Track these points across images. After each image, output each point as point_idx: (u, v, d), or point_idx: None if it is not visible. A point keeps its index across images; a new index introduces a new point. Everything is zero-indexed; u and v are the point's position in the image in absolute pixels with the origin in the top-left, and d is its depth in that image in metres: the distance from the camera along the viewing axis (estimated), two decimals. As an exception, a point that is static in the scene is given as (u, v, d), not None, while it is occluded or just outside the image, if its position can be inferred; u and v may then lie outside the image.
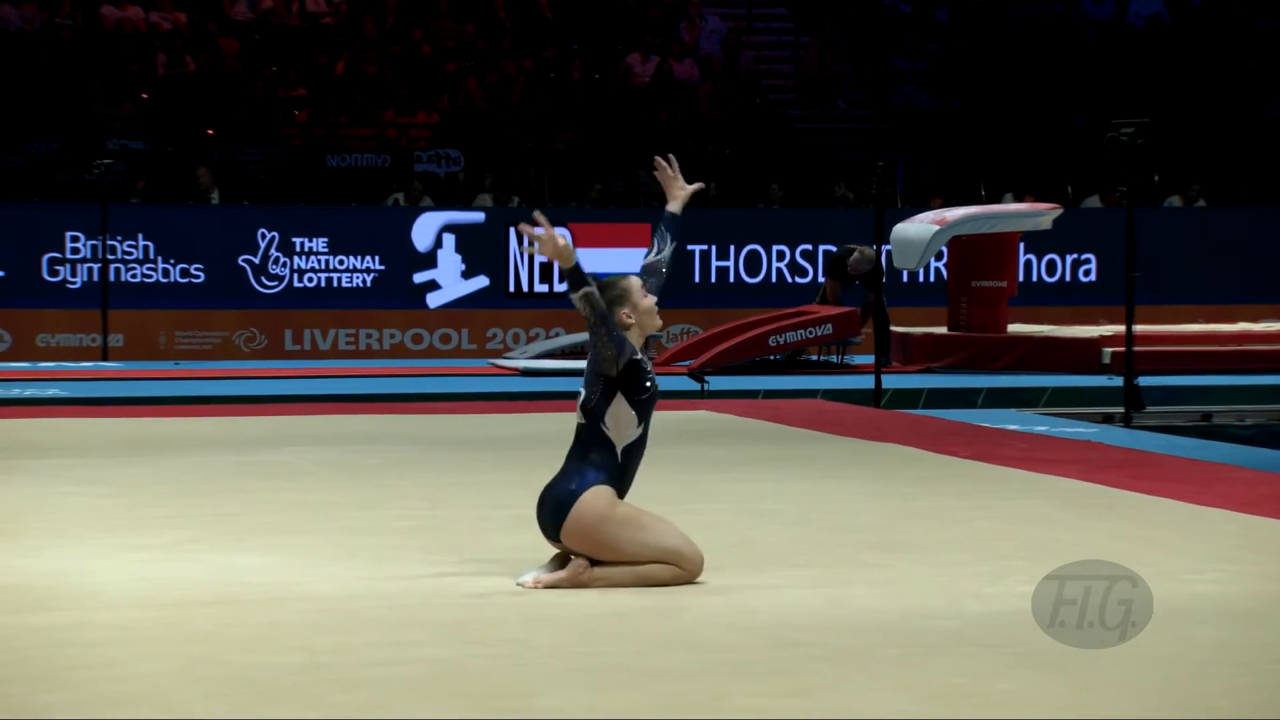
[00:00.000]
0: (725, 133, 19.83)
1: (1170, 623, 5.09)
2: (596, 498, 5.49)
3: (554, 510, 5.53)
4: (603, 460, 5.53)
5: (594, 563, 5.54)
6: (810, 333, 14.66)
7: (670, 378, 12.12)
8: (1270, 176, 19.91)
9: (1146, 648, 4.79)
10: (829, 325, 14.68)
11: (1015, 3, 22.35)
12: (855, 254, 14.84)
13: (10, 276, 16.25)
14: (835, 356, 15.20)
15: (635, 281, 5.67)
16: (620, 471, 5.55)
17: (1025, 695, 4.33)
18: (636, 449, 5.58)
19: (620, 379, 5.52)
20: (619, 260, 17.13)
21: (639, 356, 5.56)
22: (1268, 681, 4.52)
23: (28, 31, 18.80)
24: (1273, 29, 22.09)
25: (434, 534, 6.64)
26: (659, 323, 5.71)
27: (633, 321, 5.60)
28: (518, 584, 5.57)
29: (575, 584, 5.52)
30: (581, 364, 16.79)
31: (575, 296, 5.44)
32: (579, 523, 5.48)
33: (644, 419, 5.57)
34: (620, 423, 5.53)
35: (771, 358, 14.69)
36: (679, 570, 5.53)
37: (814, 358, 15.11)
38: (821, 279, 16.60)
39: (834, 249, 16.76)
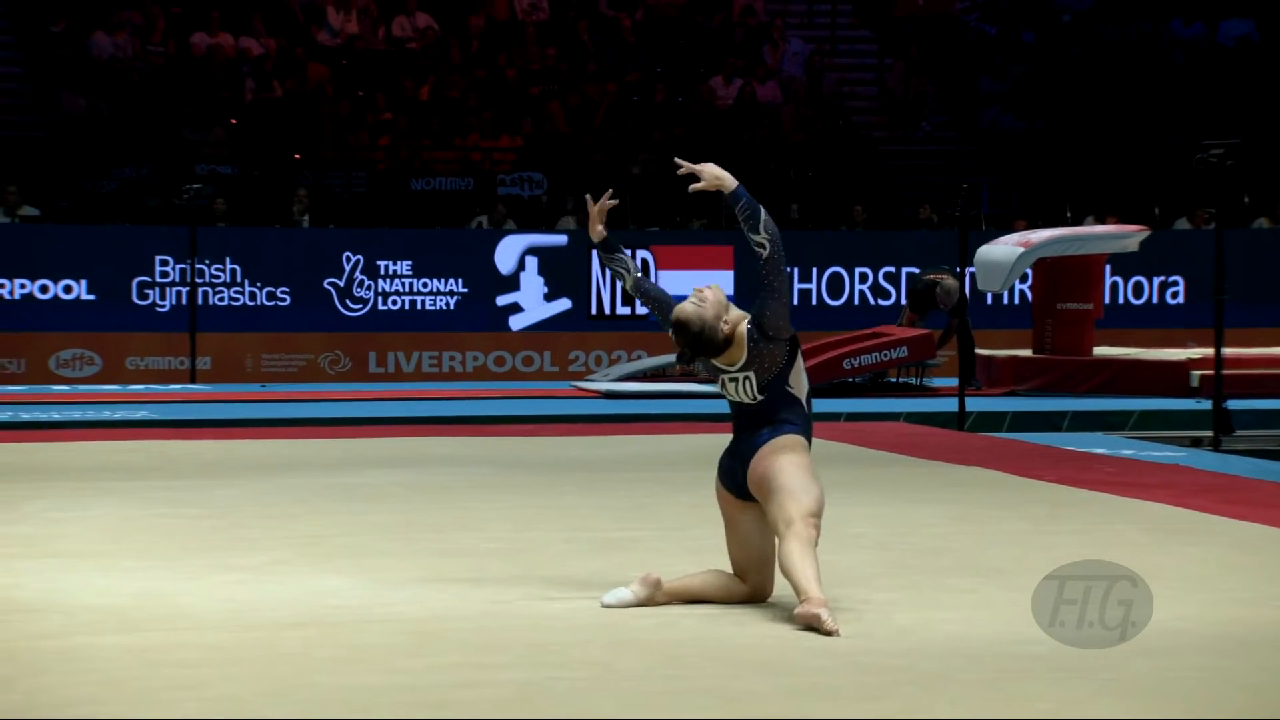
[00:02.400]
0: (808, 155, 19.81)
1: (1263, 650, 5.03)
2: (786, 442, 5.55)
3: (746, 456, 5.58)
4: (794, 415, 5.62)
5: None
6: (885, 355, 14.60)
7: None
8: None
9: (1239, 674, 4.74)
10: (904, 348, 14.61)
11: (1102, 23, 22.19)
12: (939, 287, 14.76)
13: (100, 300, 16.47)
14: (914, 379, 15.13)
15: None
16: (809, 420, 5.67)
17: (1114, 722, 4.30)
18: (810, 393, 5.72)
19: (792, 337, 5.61)
20: (702, 282, 17.11)
21: None
22: (1362, 710, 4.46)
23: (120, 59, 19.09)
24: (1364, 48, 21.82)
25: (519, 557, 6.66)
26: None
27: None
28: (603, 605, 5.59)
29: (648, 594, 5.54)
30: (663, 386, 16.65)
31: (762, 219, 5.49)
32: (773, 446, 5.53)
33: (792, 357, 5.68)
34: (801, 377, 5.65)
35: (849, 380, 14.64)
36: (746, 588, 5.54)
37: (893, 380, 15.05)
38: (904, 302, 16.53)
39: (916, 272, 16.68)
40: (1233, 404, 12.05)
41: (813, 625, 5.17)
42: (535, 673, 4.76)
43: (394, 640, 5.15)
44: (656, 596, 5.57)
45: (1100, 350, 15.02)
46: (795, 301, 17.20)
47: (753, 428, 5.62)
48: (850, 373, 14.55)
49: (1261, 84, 21.11)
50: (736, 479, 5.60)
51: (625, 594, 5.60)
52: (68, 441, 10.94)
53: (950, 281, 14.61)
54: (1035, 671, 4.77)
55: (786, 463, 5.50)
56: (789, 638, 5.18)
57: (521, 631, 5.29)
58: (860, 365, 14.58)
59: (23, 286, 16.35)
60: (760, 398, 5.60)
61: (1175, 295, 17.86)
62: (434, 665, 4.83)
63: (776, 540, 5.46)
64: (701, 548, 6.22)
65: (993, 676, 4.71)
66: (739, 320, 5.62)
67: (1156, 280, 17.82)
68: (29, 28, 19.44)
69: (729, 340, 5.61)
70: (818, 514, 5.45)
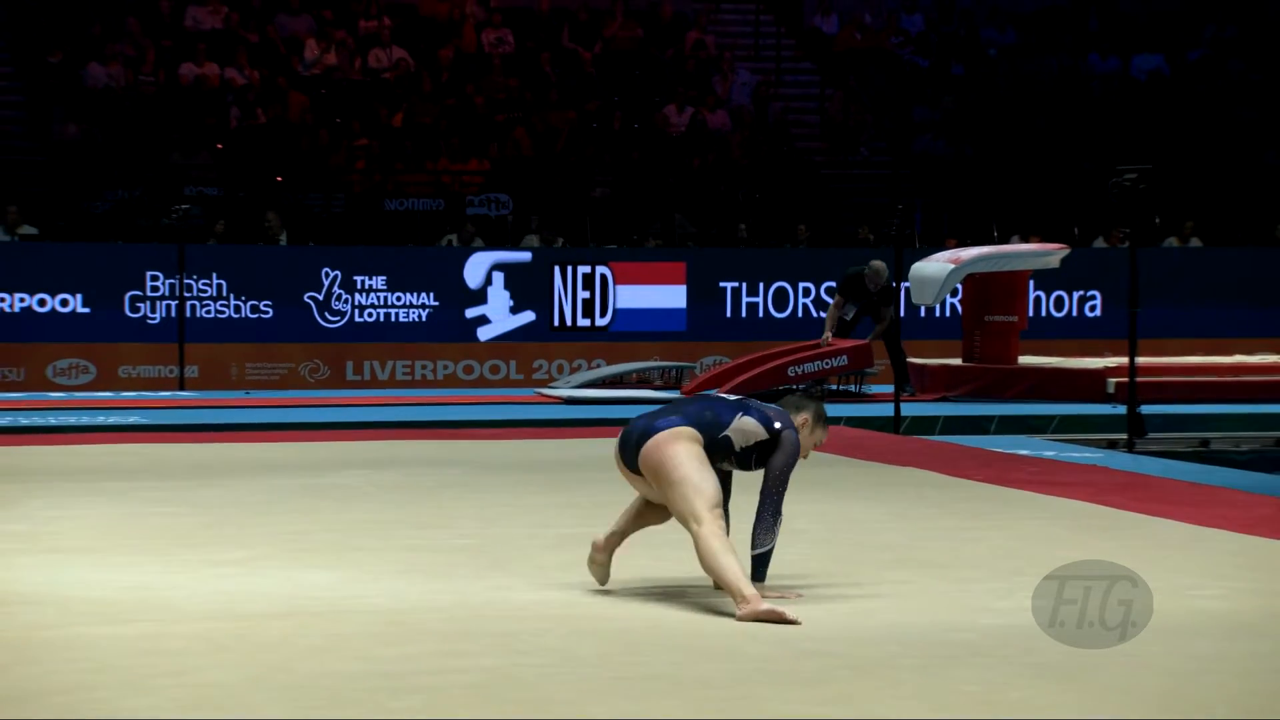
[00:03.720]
0: (755, 178, 19.85)
1: (1172, 636, 5.07)
2: (684, 432, 5.48)
3: (641, 436, 5.53)
4: (708, 425, 5.53)
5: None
6: (827, 364, 14.65)
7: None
8: (1265, 219, 19.81)
9: (1150, 658, 4.78)
10: (844, 357, 14.67)
11: (1025, 57, 22.34)
12: (866, 268, 14.70)
13: (95, 313, 16.37)
14: (854, 386, 15.17)
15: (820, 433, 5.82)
16: (708, 444, 5.51)
17: (1036, 702, 4.33)
18: (725, 448, 5.54)
19: (757, 459, 5.59)
20: (656, 296, 17.15)
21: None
22: (1263, 689, 4.51)
23: (113, 88, 18.99)
24: (1266, 82, 22.01)
25: (486, 551, 6.65)
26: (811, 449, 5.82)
27: (803, 434, 5.72)
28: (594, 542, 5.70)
29: (604, 557, 5.69)
30: (621, 392, 16.66)
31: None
32: (670, 435, 5.46)
33: (742, 464, 5.63)
34: (747, 433, 5.56)
35: (793, 387, 14.67)
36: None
37: (834, 387, 15.09)
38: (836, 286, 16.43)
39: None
40: (1145, 409, 12.13)
41: (767, 620, 5.15)
42: (502, 659, 4.76)
43: (370, 630, 5.14)
44: (600, 556, 5.68)
45: (1025, 359, 15.10)
46: (743, 314, 17.23)
47: (666, 412, 5.60)
48: (794, 380, 14.59)
49: (1171, 114, 21.29)
50: (628, 455, 5.56)
51: (598, 573, 5.70)
52: (64, 445, 10.87)
53: (877, 263, 14.59)
54: (965, 657, 4.80)
55: (681, 451, 5.45)
56: (737, 627, 5.19)
57: (489, 621, 5.29)
58: (803, 373, 14.62)
59: (22, 300, 16.24)
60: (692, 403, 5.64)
61: (1093, 308, 17.96)
62: (408, 653, 4.83)
63: (689, 534, 5.39)
64: (656, 541, 6.23)
65: (926, 662, 4.74)
66: (777, 430, 5.61)
67: (1076, 294, 17.92)
68: (28, 59, 19.33)
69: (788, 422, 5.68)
70: (720, 503, 5.42)
